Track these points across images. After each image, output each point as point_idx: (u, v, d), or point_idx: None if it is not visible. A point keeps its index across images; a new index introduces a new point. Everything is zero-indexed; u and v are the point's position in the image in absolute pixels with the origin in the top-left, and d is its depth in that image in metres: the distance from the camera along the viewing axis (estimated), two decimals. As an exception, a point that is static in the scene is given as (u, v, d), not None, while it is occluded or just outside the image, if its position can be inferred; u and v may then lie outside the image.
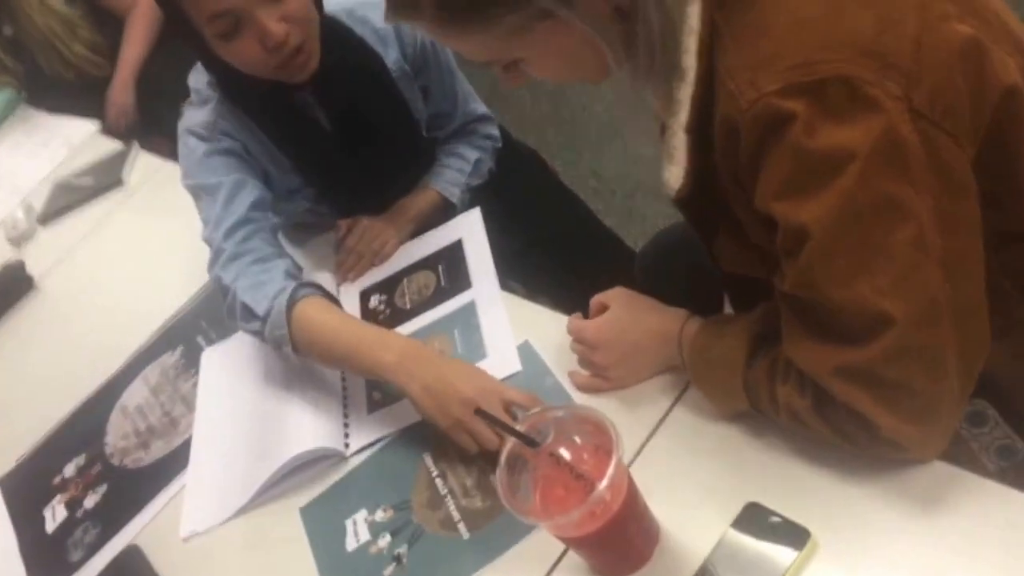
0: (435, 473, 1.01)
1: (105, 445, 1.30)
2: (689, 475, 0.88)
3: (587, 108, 2.77)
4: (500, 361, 1.07)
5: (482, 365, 1.05)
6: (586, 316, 1.01)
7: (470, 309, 1.17)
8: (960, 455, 0.83)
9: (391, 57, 1.28)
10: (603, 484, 0.72)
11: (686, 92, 0.74)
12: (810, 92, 0.66)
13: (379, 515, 1.00)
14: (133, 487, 1.21)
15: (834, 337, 0.72)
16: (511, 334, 1.11)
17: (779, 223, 0.71)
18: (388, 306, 1.27)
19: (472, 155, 1.42)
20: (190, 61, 1.23)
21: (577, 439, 0.79)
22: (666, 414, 0.94)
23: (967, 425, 0.88)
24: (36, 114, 2.36)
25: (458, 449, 0.98)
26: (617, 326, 0.96)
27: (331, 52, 1.17)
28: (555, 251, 1.57)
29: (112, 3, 2.28)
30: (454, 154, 1.41)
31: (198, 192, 1.21)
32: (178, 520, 1.12)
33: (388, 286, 1.30)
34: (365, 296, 1.30)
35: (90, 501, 1.23)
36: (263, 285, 1.11)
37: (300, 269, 1.19)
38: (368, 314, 1.27)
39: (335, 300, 1.15)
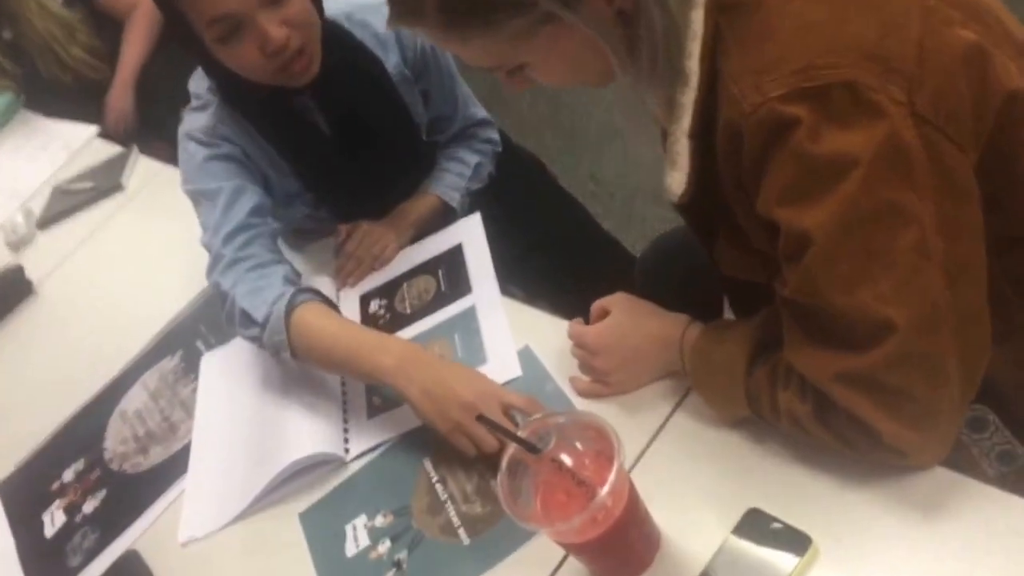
0: (435, 478, 1.00)
1: (104, 450, 1.30)
2: (690, 481, 0.88)
3: (586, 112, 2.77)
4: (500, 366, 1.07)
5: (482, 370, 1.05)
6: (586, 321, 1.01)
7: (470, 314, 1.17)
8: (960, 460, 0.83)
9: (391, 61, 1.28)
10: (604, 490, 0.71)
11: (689, 97, 0.74)
12: (814, 97, 0.66)
13: (379, 520, 1.00)
14: (132, 492, 1.21)
15: (836, 343, 0.72)
16: (511, 339, 1.11)
17: (782, 228, 0.71)
18: (388, 311, 1.26)
19: (472, 159, 1.42)
20: (189, 65, 1.23)
21: (578, 445, 0.79)
22: (667, 420, 0.94)
23: (967, 431, 0.88)
24: (35, 118, 2.36)
25: (458, 454, 0.98)
26: (618, 331, 0.96)
27: (331, 56, 1.17)
28: (555, 255, 1.57)
29: (111, 7, 2.28)
30: (454, 158, 1.42)
31: (197, 197, 1.21)
32: (177, 525, 1.11)
33: (388, 291, 1.30)
34: (365, 301, 1.30)
35: (89, 506, 1.23)
36: (261, 291, 1.11)
37: (299, 275, 1.19)
38: (368, 319, 1.27)
39: (334, 305, 1.15)
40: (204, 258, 1.19)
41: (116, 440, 1.30)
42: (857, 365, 0.71)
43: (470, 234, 1.30)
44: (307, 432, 1.09)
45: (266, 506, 1.08)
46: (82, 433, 1.35)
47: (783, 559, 0.77)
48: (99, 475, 1.27)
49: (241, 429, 1.17)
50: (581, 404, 1.00)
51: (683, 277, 1.22)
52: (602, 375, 0.98)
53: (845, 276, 0.69)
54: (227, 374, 1.27)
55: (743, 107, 0.69)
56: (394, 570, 0.94)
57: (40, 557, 1.21)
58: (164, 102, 1.85)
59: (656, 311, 0.96)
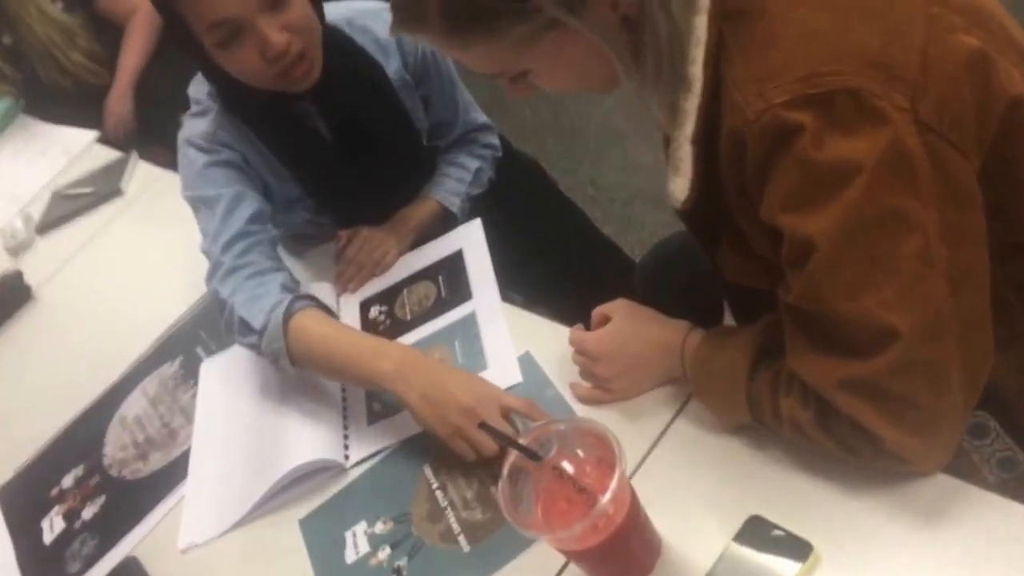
0: (435, 485, 1.00)
1: (103, 456, 1.29)
2: (691, 488, 0.87)
3: (586, 117, 2.77)
4: (501, 372, 1.07)
5: (483, 376, 1.05)
6: (587, 327, 1.01)
7: (470, 320, 1.17)
8: (961, 467, 0.83)
9: (392, 67, 1.28)
10: (606, 498, 0.71)
11: (692, 103, 0.74)
12: (818, 104, 0.66)
13: (379, 527, 1.00)
14: (131, 498, 1.21)
15: (839, 350, 0.72)
16: (512, 345, 1.11)
17: (785, 235, 0.71)
18: (388, 317, 1.26)
19: (472, 164, 1.42)
20: (189, 70, 1.23)
21: (580, 452, 0.79)
22: (667, 426, 0.94)
23: (968, 437, 0.88)
24: (35, 123, 2.36)
25: (458, 460, 0.98)
26: (619, 338, 0.96)
27: (332, 61, 1.17)
28: (555, 261, 1.57)
29: (111, 12, 2.28)
30: (454, 163, 1.42)
31: (197, 204, 1.21)
32: (176, 532, 1.11)
33: (388, 297, 1.30)
34: (365, 307, 1.30)
35: (88, 512, 1.23)
36: (259, 299, 1.11)
37: (297, 282, 1.19)
38: (368, 325, 1.27)
39: (332, 312, 1.15)
40: (204, 263, 1.19)
41: (116, 446, 1.30)
42: (860, 372, 0.71)
43: (471, 240, 1.30)
44: (307, 438, 1.09)
45: (266, 512, 1.07)
46: (81, 439, 1.35)
47: (784, 566, 0.77)
48: (98, 481, 1.26)
49: (241, 435, 1.16)
50: (582, 410, 1.00)
51: (683, 283, 1.22)
52: (603, 382, 0.98)
53: (849, 283, 0.69)
54: (227, 380, 1.27)
55: (747, 114, 0.69)
56: (394, 577, 0.94)
57: (39, 563, 1.21)
58: (164, 107, 1.85)
59: (657, 317, 0.96)
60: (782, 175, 0.69)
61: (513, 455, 0.79)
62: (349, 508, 1.03)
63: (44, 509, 1.27)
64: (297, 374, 1.12)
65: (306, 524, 1.04)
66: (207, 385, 1.29)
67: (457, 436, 0.96)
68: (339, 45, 1.21)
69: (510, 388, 1.05)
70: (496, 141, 1.46)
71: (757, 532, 0.80)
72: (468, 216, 1.37)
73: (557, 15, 0.71)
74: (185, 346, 1.39)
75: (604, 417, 0.96)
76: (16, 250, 1.90)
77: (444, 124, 1.40)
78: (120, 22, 2.29)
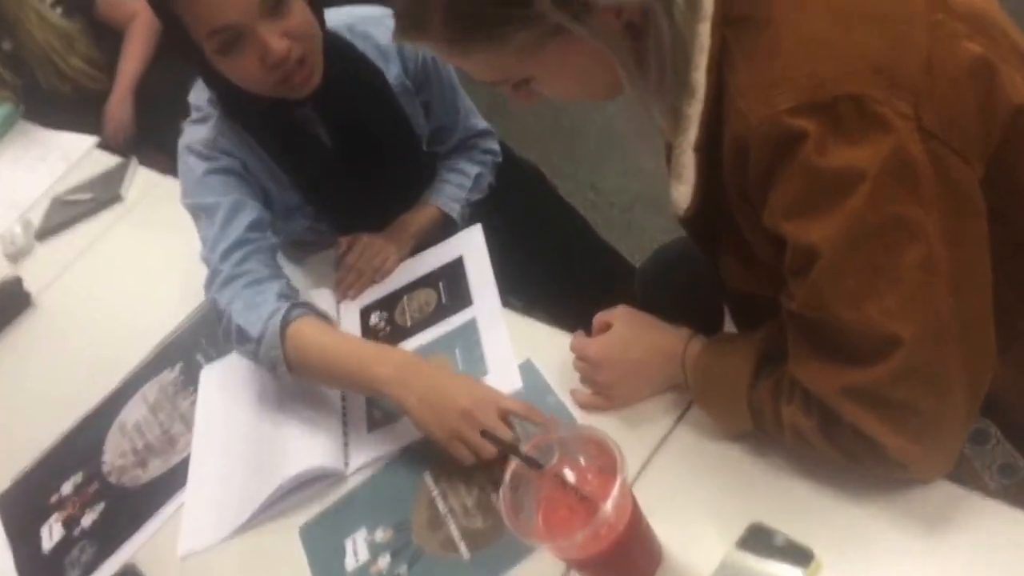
0: (436, 493, 1.00)
1: (103, 463, 1.29)
2: (692, 495, 0.87)
3: (586, 122, 2.77)
4: (501, 379, 1.07)
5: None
6: (588, 333, 1.01)
7: (471, 327, 1.17)
8: (962, 473, 0.83)
9: (393, 73, 1.28)
10: (607, 506, 0.71)
11: (696, 109, 0.74)
12: (821, 111, 0.66)
13: (379, 535, 0.99)
14: (131, 506, 1.20)
15: (841, 357, 0.72)
16: (512, 352, 1.11)
17: (788, 242, 0.71)
18: (389, 324, 1.26)
19: (472, 170, 1.42)
20: (188, 76, 1.23)
21: (581, 460, 0.78)
22: (668, 433, 0.93)
23: (969, 443, 0.88)
24: (34, 129, 2.36)
25: (457, 466, 0.98)
26: (620, 345, 0.96)
27: (332, 67, 1.17)
28: (555, 266, 1.57)
29: (111, 17, 2.28)
30: (454, 169, 1.42)
31: (197, 212, 1.21)
32: (176, 539, 1.11)
33: (389, 304, 1.29)
34: (365, 314, 1.30)
35: (87, 520, 1.22)
36: (257, 307, 1.11)
37: (295, 290, 1.19)
38: (369, 332, 1.27)
39: (329, 319, 1.15)
40: (204, 270, 1.19)
41: (115, 453, 1.30)
42: (863, 379, 0.71)
43: (471, 246, 1.30)
44: (307, 445, 1.09)
45: (266, 520, 1.07)
46: (81, 446, 1.34)
47: (786, 573, 0.76)
48: (97, 488, 1.26)
49: (241, 442, 1.16)
50: (582, 417, 0.99)
51: (683, 288, 1.22)
52: (604, 388, 0.97)
53: (851, 290, 0.69)
54: (227, 387, 1.26)
55: (750, 120, 0.69)
56: (394, 585, 0.94)
57: (38, 571, 1.20)
58: (163, 112, 1.85)
59: (658, 324, 0.96)
60: (785, 182, 0.69)
61: (515, 463, 0.79)
62: (349, 516, 1.03)
63: (43, 516, 1.27)
64: (295, 382, 1.12)
65: (306, 532, 1.04)
66: (207, 392, 1.29)
67: (456, 440, 0.95)
68: (340, 51, 1.21)
69: (511, 394, 1.05)
70: (496, 147, 1.46)
71: (758, 539, 0.79)
72: (468, 222, 1.37)
73: (561, 22, 0.70)
74: (185, 352, 1.39)
75: (605, 424, 0.96)
76: (16, 256, 1.90)
77: (444, 130, 1.40)
78: (120, 27, 2.29)
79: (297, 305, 1.12)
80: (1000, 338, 0.74)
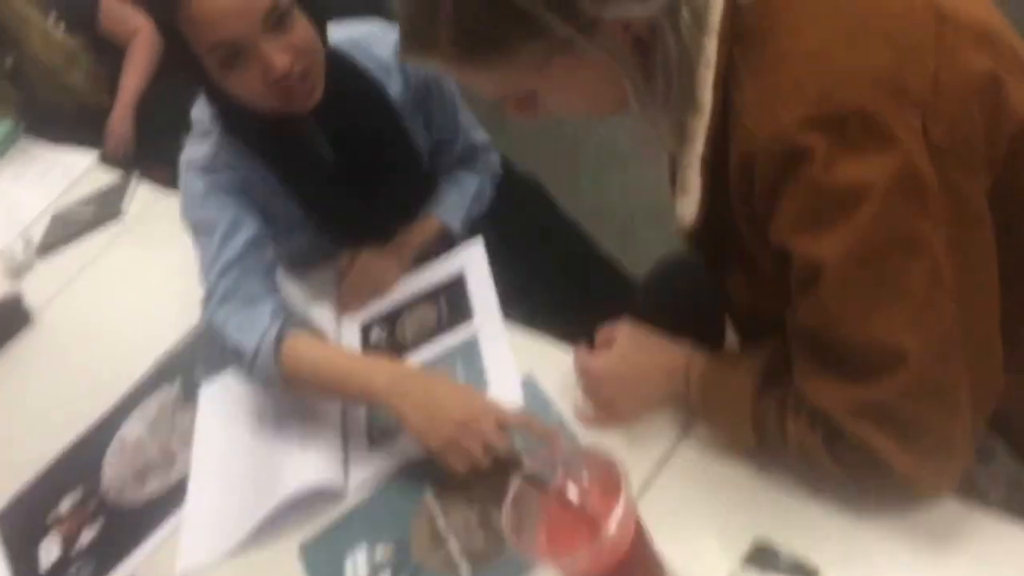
0: (436, 510, 0.99)
1: (101, 481, 1.28)
2: (696, 512, 0.86)
3: (586, 135, 2.78)
4: (503, 394, 1.06)
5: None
6: (590, 347, 1.01)
7: (472, 342, 1.17)
8: (968, 489, 0.82)
9: (394, 88, 1.28)
10: (611, 524, 0.70)
11: (702, 124, 0.74)
12: (828, 126, 0.66)
13: (379, 553, 0.98)
14: (129, 524, 1.19)
15: (847, 372, 0.72)
16: (514, 367, 1.10)
17: (794, 257, 0.71)
18: (390, 339, 1.26)
19: (473, 183, 1.42)
20: (190, 91, 1.23)
21: (584, 477, 0.78)
22: (672, 449, 0.93)
23: (975, 459, 0.87)
24: (36, 145, 2.37)
25: (458, 483, 0.97)
26: (623, 360, 0.96)
27: (334, 83, 1.17)
28: (556, 280, 1.56)
29: (113, 33, 2.30)
30: (455, 183, 1.42)
31: (196, 229, 1.21)
32: (174, 557, 1.10)
33: (390, 319, 1.29)
34: (366, 330, 1.30)
35: (86, 537, 1.21)
36: (251, 325, 1.11)
37: (290, 307, 1.18)
38: (369, 348, 1.26)
39: (323, 335, 1.15)
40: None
41: (114, 470, 1.29)
42: (869, 394, 0.71)
43: (472, 260, 1.30)
44: (306, 462, 1.08)
45: (265, 537, 1.06)
46: (79, 463, 1.34)
47: (792, 592, 0.76)
48: (96, 506, 1.25)
49: (240, 459, 1.16)
50: (585, 433, 0.99)
51: (685, 301, 1.22)
52: (606, 404, 0.97)
53: (858, 305, 0.69)
54: (226, 403, 1.26)
55: (756, 136, 0.69)
56: (395, 604, 0.93)
57: (36, 590, 1.20)
58: (164, 128, 1.86)
59: (661, 339, 0.96)
60: (792, 197, 0.69)
61: (518, 480, 0.78)
62: (349, 533, 1.02)
63: (41, 534, 1.26)
64: (292, 398, 1.12)
65: (305, 549, 1.03)
66: (206, 408, 1.28)
67: (450, 448, 0.95)
68: (341, 66, 1.21)
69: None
70: (496, 160, 1.47)
71: (763, 557, 0.79)
72: (469, 235, 1.37)
73: (568, 37, 0.70)
74: (184, 369, 1.39)
75: (608, 439, 0.96)
76: (16, 272, 1.90)
77: (445, 144, 1.40)
78: (122, 43, 2.31)
79: (291, 321, 1.11)
80: (1007, 353, 0.73)
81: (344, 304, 1.34)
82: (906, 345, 0.68)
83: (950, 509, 0.78)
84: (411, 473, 1.04)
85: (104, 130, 2.29)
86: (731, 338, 1.09)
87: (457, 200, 1.40)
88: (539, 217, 1.60)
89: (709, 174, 0.76)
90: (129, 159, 2.24)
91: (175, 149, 1.26)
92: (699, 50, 0.72)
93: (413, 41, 0.76)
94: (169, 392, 1.37)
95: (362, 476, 1.07)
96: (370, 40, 1.27)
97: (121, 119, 2.28)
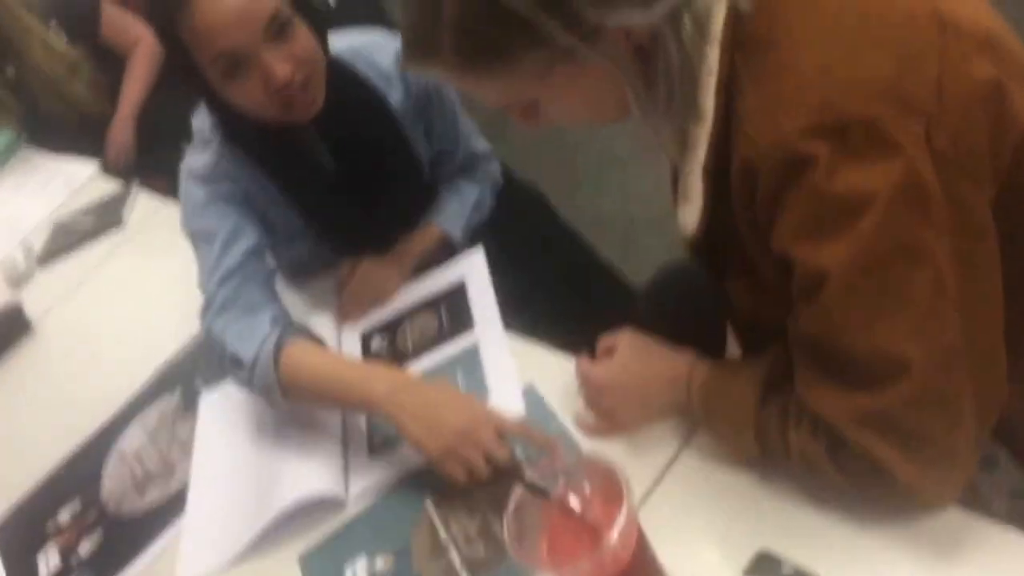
0: (437, 520, 0.99)
1: (101, 490, 1.28)
2: (698, 521, 0.86)
3: (585, 143, 2.79)
4: (504, 404, 1.06)
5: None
6: (591, 355, 1.00)
7: (473, 351, 1.16)
8: (971, 499, 0.82)
9: (395, 97, 1.28)
10: (613, 534, 0.70)
11: (704, 132, 0.74)
12: (831, 134, 0.65)
13: (379, 563, 0.98)
14: (128, 534, 1.19)
15: (850, 381, 0.71)
16: (515, 376, 1.10)
17: (797, 266, 0.71)
18: (390, 348, 1.26)
19: (473, 192, 1.42)
20: (191, 101, 1.24)
21: (586, 486, 0.77)
22: (674, 459, 0.92)
23: (978, 468, 0.87)
24: (36, 155, 2.38)
25: (459, 493, 0.97)
26: (625, 369, 0.95)
27: (335, 92, 1.17)
28: (557, 289, 1.56)
29: (115, 42, 2.30)
30: (456, 191, 1.42)
31: (196, 238, 1.21)
32: (174, 568, 1.09)
33: (390, 328, 1.29)
34: (367, 338, 1.29)
35: (85, 548, 1.21)
36: (250, 333, 1.11)
37: (289, 316, 1.18)
38: (370, 356, 1.26)
39: (322, 343, 1.15)
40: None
41: (113, 480, 1.28)
42: (872, 404, 0.70)
43: (473, 269, 1.30)
44: (307, 471, 1.08)
45: (265, 547, 1.06)
46: (79, 473, 1.33)
47: (795, 602, 0.75)
48: (95, 516, 1.25)
49: (240, 469, 1.15)
50: (586, 442, 0.98)
51: (686, 308, 1.22)
52: (608, 413, 0.97)
53: (861, 314, 0.69)
54: (227, 412, 1.26)
55: (759, 144, 0.69)
56: (396, 614, 0.93)
57: (34, 601, 1.19)
58: (165, 137, 1.86)
59: (663, 348, 0.95)
60: (794, 206, 0.69)
61: (519, 490, 0.78)
62: (349, 543, 1.02)
63: (40, 544, 1.25)
64: (291, 407, 1.11)
65: (305, 559, 1.03)
66: (206, 417, 1.28)
67: (449, 457, 0.95)
68: (342, 76, 1.22)
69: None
70: (497, 168, 1.47)
71: (766, 567, 0.78)
72: (469, 244, 1.37)
73: (570, 45, 0.70)
74: (185, 378, 1.39)
75: (609, 449, 0.96)
76: (17, 281, 1.90)
77: (445, 152, 1.40)
78: (123, 53, 2.31)
79: (291, 329, 1.11)
80: (1011, 363, 0.73)
81: (345, 313, 1.34)
82: (909, 354, 0.68)
83: (953, 518, 0.77)
84: (412, 482, 1.04)
85: (105, 139, 2.29)
86: (732, 346, 1.09)
87: (458, 209, 1.40)
88: (540, 226, 1.60)
89: (711, 181, 0.76)
90: (130, 168, 2.25)
91: (176, 158, 1.26)
92: (701, 58, 0.72)
93: (415, 49, 0.76)
94: (169, 401, 1.37)
95: (362, 485, 1.06)
96: (371, 49, 1.28)
97: (122, 128, 2.29)
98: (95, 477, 1.30)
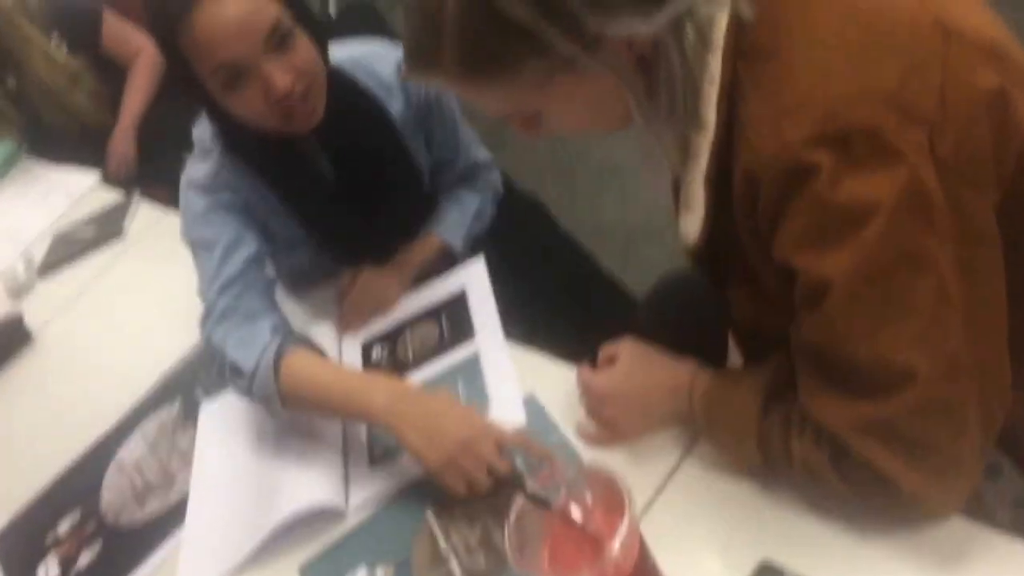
0: (438, 530, 0.98)
1: (100, 501, 1.27)
2: (700, 531, 0.86)
3: (585, 153, 2.79)
4: (505, 413, 1.06)
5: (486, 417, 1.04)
6: (592, 365, 1.00)
7: (474, 360, 1.16)
8: (974, 507, 0.81)
9: (396, 107, 1.29)
10: (615, 544, 0.70)
11: (706, 140, 0.74)
12: (834, 143, 0.65)
13: (380, 574, 0.98)
14: (128, 545, 1.18)
15: (853, 390, 0.71)
16: (516, 385, 1.10)
17: (799, 274, 0.71)
18: (391, 358, 1.25)
19: (474, 201, 1.42)
20: (192, 111, 1.24)
21: (588, 496, 0.77)
22: (675, 468, 0.92)
23: (982, 477, 0.87)
24: (37, 165, 2.38)
25: (460, 503, 0.96)
26: (626, 378, 0.95)
27: (335, 102, 1.17)
28: (557, 298, 1.56)
29: (116, 53, 2.31)
30: (456, 200, 1.42)
31: (196, 247, 1.21)
32: (174, 579, 1.09)
33: (391, 338, 1.29)
34: (367, 348, 1.29)
35: (84, 559, 1.20)
36: (251, 342, 1.11)
37: (289, 325, 1.18)
38: (370, 366, 1.26)
39: (322, 352, 1.14)
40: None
41: (113, 492, 1.28)
42: (876, 413, 0.70)
43: (473, 278, 1.30)
44: (307, 482, 1.07)
45: (265, 558, 1.05)
46: (79, 484, 1.33)
47: (798, 613, 0.75)
48: (94, 528, 1.24)
49: (240, 479, 1.15)
50: (588, 452, 0.98)
51: (687, 317, 1.22)
52: (609, 422, 0.96)
53: (865, 323, 0.69)
54: (226, 422, 1.25)
55: (761, 152, 0.69)
56: (396, 625, 0.92)
57: (34, 612, 1.19)
58: (166, 148, 1.86)
59: (664, 357, 0.95)
60: (797, 215, 0.68)
61: (520, 500, 0.78)
62: (349, 554, 1.01)
63: (40, 556, 1.25)
64: (291, 417, 1.11)
65: (306, 571, 1.02)
66: (206, 428, 1.27)
67: (449, 469, 0.95)
68: (343, 86, 1.22)
69: (514, 429, 1.03)
70: (497, 178, 1.47)
71: (768, 577, 0.78)
72: (470, 253, 1.37)
73: (573, 55, 0.70)
74: (185, 388, 1.38)
75: (611, 458, 0.95)
76: (18, 292, 1.90)
77: (446, 161, 1.40)
78: (124, 63, 2.32)
79: (290, 338, 1.11)
80: (1015, 370, 0.73)
81: (345, 322, 1.34)
82: (913, 363, 0.68)
83: (957, 527, 0.77)
84: (412, 493, 1.04)
85: (106, 150, 2.30)
86: (734, 355, 1.09)
87: (458, 218, 1.40)
88: (540, 235, 1.60)
89: (712, 189, 0.76)
90: (131, 179, 2.25)
91: (177, 169, 1.26)
92: (703, 67, 0.72)
93: (417, 58, 0.76)
94: (169, 412, 1.36)
95: (363, 496, 1.06)
96: (371, 59, 1.28)
97: (123, 139, 2.29)
98: (95, 488, 1.30)
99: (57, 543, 1.25)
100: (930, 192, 0.65)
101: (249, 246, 1.19)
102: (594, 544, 0.73)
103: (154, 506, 1.22)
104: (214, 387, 1.33)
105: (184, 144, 1.27)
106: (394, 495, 1.05)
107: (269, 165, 1.22)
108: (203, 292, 1.18)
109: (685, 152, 0.77)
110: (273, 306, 1.19)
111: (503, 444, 0.95)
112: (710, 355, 0.95)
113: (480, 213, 1.43)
